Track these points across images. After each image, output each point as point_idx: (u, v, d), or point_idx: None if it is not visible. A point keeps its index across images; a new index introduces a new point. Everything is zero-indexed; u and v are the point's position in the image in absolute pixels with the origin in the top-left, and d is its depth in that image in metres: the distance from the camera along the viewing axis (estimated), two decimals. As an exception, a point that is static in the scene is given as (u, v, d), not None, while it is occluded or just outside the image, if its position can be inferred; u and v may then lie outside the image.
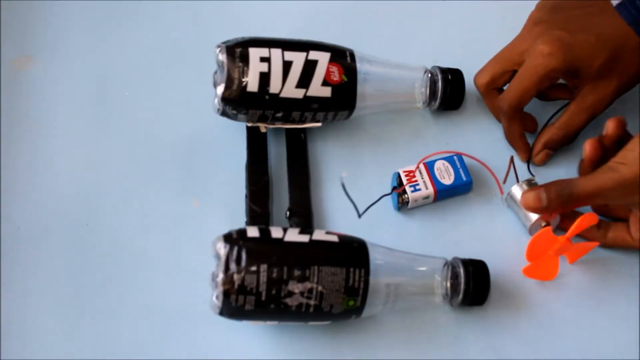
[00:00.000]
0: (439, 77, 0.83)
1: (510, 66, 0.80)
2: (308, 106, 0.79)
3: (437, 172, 0.79)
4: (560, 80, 0.82)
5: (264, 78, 0.77)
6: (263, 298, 0.68)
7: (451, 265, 0.74)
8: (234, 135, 0.83)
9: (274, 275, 0.67)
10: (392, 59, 0.83)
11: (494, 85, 0.82)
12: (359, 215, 0.74)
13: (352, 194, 0.80)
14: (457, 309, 0.75)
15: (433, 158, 0.80)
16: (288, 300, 0.68)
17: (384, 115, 0.85)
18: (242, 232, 0.70)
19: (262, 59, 0.77)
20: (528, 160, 0.81)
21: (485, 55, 0.82)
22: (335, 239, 0.71)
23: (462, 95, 0.84)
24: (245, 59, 0.76)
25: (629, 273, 0.78)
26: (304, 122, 0.80)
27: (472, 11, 0.85)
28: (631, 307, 0.77)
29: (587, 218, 0.74)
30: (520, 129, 0.82)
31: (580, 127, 0.80)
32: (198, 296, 0.72)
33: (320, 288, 0.68)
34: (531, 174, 0.79)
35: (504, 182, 0.79)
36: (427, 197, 0.79)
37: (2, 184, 0.80)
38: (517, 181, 0.78)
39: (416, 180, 0.79)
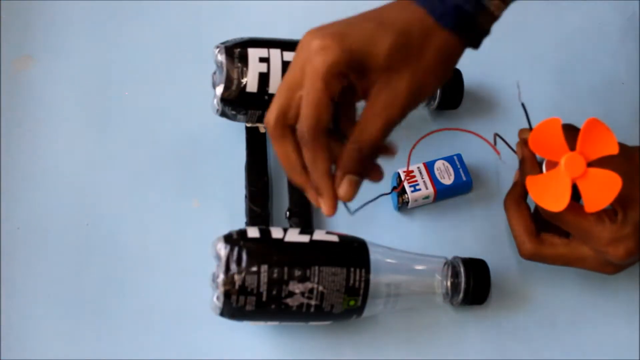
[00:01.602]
0: (438, 76, 0.83)
1: (298, 88, 0.63)
2: (307, 106, 0.78)
3: (437, 172, 0.80)
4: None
5: (263, 78, 0.77)
6: (264, 298, 0.68)
7: (451, 265, 0.74)
8: (233, 135, 0.83)
9: (275, 275, 0.67)
10: (392, 58, 0.83)
11: (285, 120, 0.64)
12: (351, 213, 0.71)
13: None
14: (457, 308, 0.75)
15: (433, 158, 0.80)
16: (289, 301, 0.68)
17: (384, 115, 0.85)
18: (242, 233, 0.70)
19: (261, 60, 0.77)
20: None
21: (483, 57, 0.82)
22: (335, 239, 0.71)
23: (461, 94, 0.84)
24: (244, 60, 0.76)
25: (629, 273, 0.78)
26: (303, 122, 0.80)
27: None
28: (631, 307, 0.77)
29: (595, 124, 0.66)
30: (326, 163, 0.64)
31: (376, 138, 0.63)
32: (198, 296, 0.72)
33: (320, 288, 0.68)
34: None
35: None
36: (427, 197, 0.79)
37: (2, 184, 0.80)
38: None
39: (416, 180, 0.79)
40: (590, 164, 0.66)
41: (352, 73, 0.63)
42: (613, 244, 0.67)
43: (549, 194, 0.66)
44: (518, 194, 0.72)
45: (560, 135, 0.66)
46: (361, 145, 0.64)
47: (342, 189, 0.65)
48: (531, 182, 0.67)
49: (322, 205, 0.66)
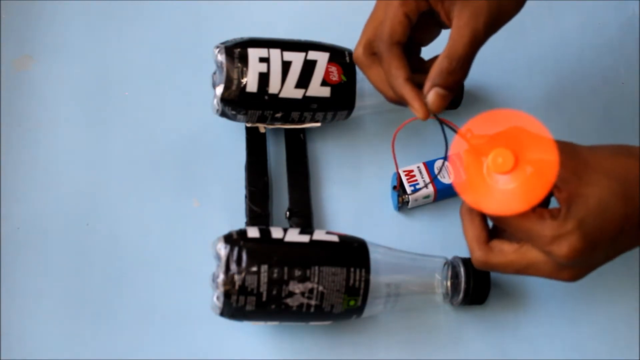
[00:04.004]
0: (438, 76, 0.83)
1: (380, 20, 0.70)
2: (307, 106, 0.79)
3: (437, 172, 0.80)
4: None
5: (263, 78, 0.77)
6: (264, 298, 0.68)
7: (451, 264, 0.74)
8: (233, 135, 0.83)
9: (275, 275, 0.67)
10: (391, 58, 0.83)
11: (371, 49, 0.70)
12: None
13: (352, 194, 0.81)
14: (457, 308, 0.75)
15: (431, 160, 0.80)
16: (289, 301, 0.68)
17: (383, 115, 0.85)
18: (242, 233, 0.70)
19: (261, 60, 0.77)
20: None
21: (483, 57, 0.82)
22: (335, 239, 0.71)
23: (461, 94, 0.84)
24: (244, 60, 0.76)
25: (628, 273, 0.78)
26: (303, 122, 0.80)
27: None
28: (631, 307, 0.77)
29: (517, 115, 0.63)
30: (402, 71, 0.68)
31: (466, 53, 0.66)
32: (198, 296, 0.72)
33: (320, 288, 0.68)
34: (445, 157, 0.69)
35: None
36: (427, 197, 0.79)
37: (2, 183, 0.80)
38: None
39: (416, 180, 0.79)
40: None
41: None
42: (556, 242, 0.62)
43: (484, 195, 0.63)
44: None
45: (483, 137, 0.64)
46: (450, 58, 0.66)
47: (429, 99, 0.66)
48: (462, 187, 0.64)
49: (415, 112, 0.67)
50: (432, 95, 0.66)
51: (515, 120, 0.64)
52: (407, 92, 0.67)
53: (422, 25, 0.70)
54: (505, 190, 0.62)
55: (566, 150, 0.63)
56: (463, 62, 0.66)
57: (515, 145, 0.62)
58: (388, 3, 0.69)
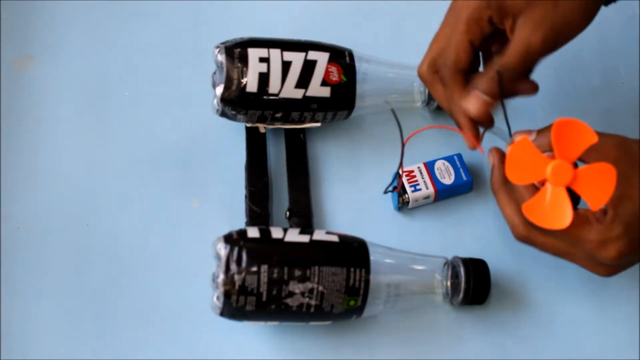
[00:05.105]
0: (438, 76, 0.83)
1: (446, 40, 0.71)
2: (307, 106, 0.79)
3: (437, 172, 0.80)
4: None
5: (263, 78, 0.77)
6: (264, 298, 0.68)
7: (451, 265, 0.74)
8: (233, 135, 0.83)
9: (275, 275, 0.67)
10: (391, 58, 0.83)
11: (435, 67, 0.71)
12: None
13: (352, 194, 0.81)
14: (457, 308, 0.75)
15: (431, 164, 0.80)
16: (289, 301, 0.68)
17: (384, 115, 0.85)
18: (242, 233, 0.70)
19: (261, 60, 0.77)
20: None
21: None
22: (335, 239, 0.71)
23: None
24: (244, 60, 0.77)
25: (629, 273, 0.78)
26: (303, 122, 0.80)
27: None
28: (631, 308, 0.77)
29: (564, 123, 0.62)
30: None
31: (515, 65, 0.67)
32: (198, 296, 0.72)
33: (320, 288, 0.68)
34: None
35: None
36: (427, 197, 0.79)
37: (2, 183, 0.80)
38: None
39: (416, 180, 0.79)
40: (582, 163, 0.63)
41: (495, 14, 0.67)
42: (602, 247, 0.63)
43: (549, 212, 0.62)
44: (501, 176, 0.68)
45: (535, 152, 0.63)
46: (498, 67, 0.67)
47: (470, 102, 0.69)
48: (527, 208, 0.63)
49: (465, 141, 0.71)
50: (472, 98, 0.69)
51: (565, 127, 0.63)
52: (464, 122, 0.70)
53: (495, 38, 0.71)
54: (558, 204, 0.62)
55: (619, 145, 0.64)
56: (509, 72, 0.67)
57: (567, 145, 0.62)
58: (454, 27, 0.69)
